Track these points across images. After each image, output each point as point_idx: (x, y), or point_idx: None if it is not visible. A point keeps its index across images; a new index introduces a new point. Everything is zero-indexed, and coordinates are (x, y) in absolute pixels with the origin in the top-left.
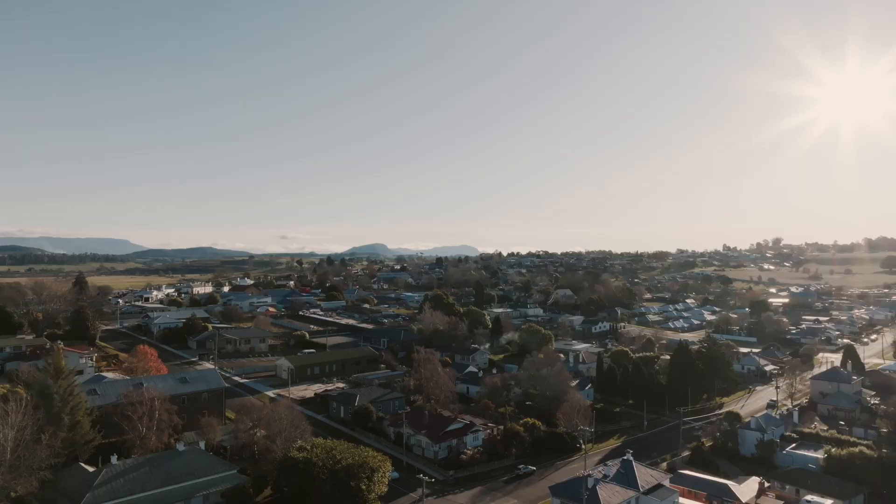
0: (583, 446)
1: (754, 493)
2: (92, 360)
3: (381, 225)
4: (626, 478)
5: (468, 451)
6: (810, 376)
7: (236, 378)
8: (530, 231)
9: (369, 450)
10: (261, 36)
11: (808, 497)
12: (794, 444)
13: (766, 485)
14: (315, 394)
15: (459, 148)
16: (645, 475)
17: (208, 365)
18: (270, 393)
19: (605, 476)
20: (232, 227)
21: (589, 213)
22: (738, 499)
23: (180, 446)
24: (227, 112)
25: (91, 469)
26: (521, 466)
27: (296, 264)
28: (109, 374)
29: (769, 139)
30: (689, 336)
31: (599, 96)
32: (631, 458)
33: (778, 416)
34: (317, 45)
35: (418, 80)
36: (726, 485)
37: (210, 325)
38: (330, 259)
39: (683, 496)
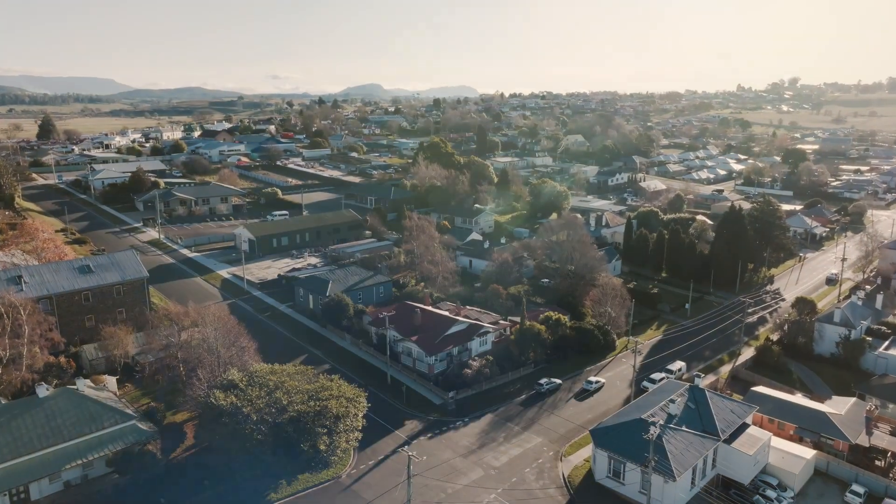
0: (634, 367)
1: (863, 429)
2: None
3: (376, 64)
4: (698, 417)
5: (474, 362)
6: (880, 244)
7: (184, 251)
8: (531, 70)
9: (335, 382)
10: None
11: None
12: (886, 343)
13: (875, 411)
14: (279, 275)
15: None
16: (723, 411)
17: (153, 233)
18: (224, 272)
19: (671, 417)
20: (222, 66)
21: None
22: (846, 438)
23: (41, 391)
24: None
25: None
26: (542, 381)
27: (286, 105)
28: (3, 254)
29: None
30: (716, 188)
31: None
32: (700, 382)
33: (861, 304)
34: None
35: None
36: (824, 414)
37: (162, 182)
38: (321, 100)
39: (763, 428)
